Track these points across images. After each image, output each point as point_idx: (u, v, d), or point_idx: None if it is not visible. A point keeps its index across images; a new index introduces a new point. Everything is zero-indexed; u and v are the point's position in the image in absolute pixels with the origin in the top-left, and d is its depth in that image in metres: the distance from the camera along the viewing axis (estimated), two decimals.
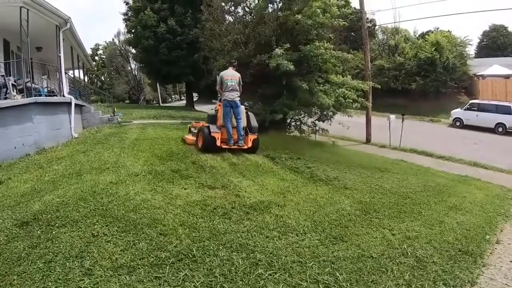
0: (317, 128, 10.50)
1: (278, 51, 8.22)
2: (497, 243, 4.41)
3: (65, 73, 10.42)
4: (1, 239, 3.31)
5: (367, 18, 19.83)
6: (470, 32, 59.62)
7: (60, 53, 8.64)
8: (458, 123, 16.90)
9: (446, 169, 8.71)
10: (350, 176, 6.71)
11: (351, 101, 9.03)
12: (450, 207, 5.39)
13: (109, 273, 2.89)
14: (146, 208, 4.07)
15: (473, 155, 10.28)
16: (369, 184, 6.27)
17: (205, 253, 3.26)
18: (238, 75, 7.22)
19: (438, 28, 27.60)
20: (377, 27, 27.55)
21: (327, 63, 9.20)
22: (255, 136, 7.26)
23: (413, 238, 3.95)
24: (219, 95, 7.38)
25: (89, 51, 37.57)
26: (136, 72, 34.11)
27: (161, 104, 33.62)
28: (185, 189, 4.88)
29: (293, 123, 11.17)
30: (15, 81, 7.24)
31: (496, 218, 5.25)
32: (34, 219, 3.71)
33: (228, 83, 7.02)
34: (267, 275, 2.97)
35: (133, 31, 18.84)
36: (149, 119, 12.40)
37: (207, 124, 7.11)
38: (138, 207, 4.08)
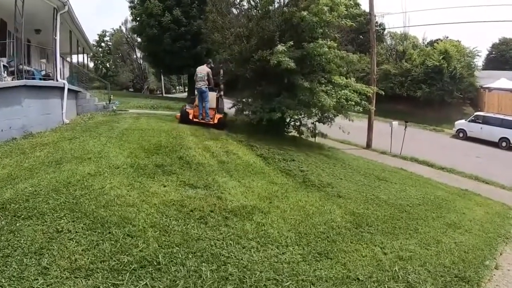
0: (316, 130, 10.07)
1: (280, 47, 7.78)
2: (496, 268, 4.02)
3: (61, 57, 10.07)
4: None
5: (376, 22, 19.39)
6: (479, 44, 58.63)
7: (56, 36, 8.26)
8: (461, 134, 16.39)
9: (447, 181, 8.27)
10: (345, 184, 6.30)
11: (353, 103, 8.58)
12: (448, 224, 4.99)
13: (65, 274, 2.61)
14: (119, 205, 3.72)
15: (475, 169, 9.82)
16: (364, 193, 5.86)
17: (172, 261, 2.91)
18: (207, 70, 9.23)
19: (447, 37, 26.96)
20: (386, 31, 26.95)
21: (331, 63, 8.75)
22: (220, 116, 9.46)
23: (406, 259, 3.56)
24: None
25: (96, 38, 37.19)
26: (141, 61, 33.67)
27: (164, 95, 33.21)
28: (164, 186, 4.50)
29: (292, 123, 10.75)
30: (7, 63, 6.91)
31: (496, 240, 4.86)
32: (1, 208, 3.40)
33: (198, 75, 9.20)
34: None
35: (138, 19, 18.38)
36: (146, 109, 11.99)
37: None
38: (110, 203, 3.73)
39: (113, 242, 3.01)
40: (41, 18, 8.70)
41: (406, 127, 11.01)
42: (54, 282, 2.51)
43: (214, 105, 9.66)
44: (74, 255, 2.81)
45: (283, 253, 3.33)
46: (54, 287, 2.48)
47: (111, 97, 10.85)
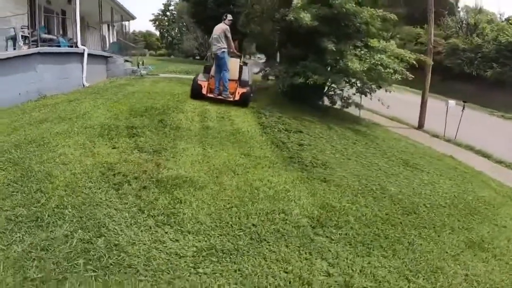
0: (349, 101, 8.33)
1: (297, 1, 6.24)
2: None
3: (85, 25, 10.00)
4: None
5: None
6: None
7: (75, 4, 8.16)
8: None
9: (503, 179, 5.87)
10: (350, 166, 4.82)
11: (392, 71, 6.61)
12: (471, 242, 3.26)
13: None
14: (54, 162, 3.36)
15: None
16: (368, 180, 4.33)
17: (54, 222, 2.45)
18: (223, 28, 6.68)
19: None
20: (459, 3, 21.80)
21: (369, 25, 6.77)
22: (244, 90, 6.82)
23: None
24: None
25: (161, 7, 37.70)
26: None
27: None
28: (113, 148, 3.86)
29: (330, 92, 9.14)
30: (29, 33, 7.00)
31: None
32: None
33: (213, 36, 6.79)
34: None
35: None
36: (180, 73, 11.42)
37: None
38: (48, 160, 3.40)
39: (25, 195, 2.75)
40: None
41: (464, 108, 8.40)
42: None
43: (236, 76, 7.07)
44: None
45: (176, 240, 2.41)
46: None
47: (143, 62, 10.65)
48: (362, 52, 6.65)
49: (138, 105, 5.65)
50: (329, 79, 7.26)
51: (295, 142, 5.28)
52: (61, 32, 8.79)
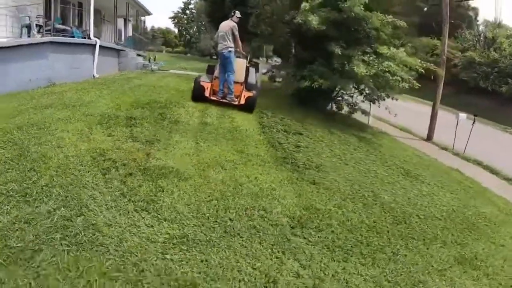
0: (356, 107, 8.20)
1: (306, 4, 6.19)
2: None
3: (101, 18, 10.25)
4: None
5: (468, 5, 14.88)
6: None
7: None
8: None
9: (509, 196, 5.56)
10: (345, 171, 4.73)
11: (400, 79, 6.46)
12: (463, 258, 3.12)
13: None
14: (51, 145, 3.50)
15: None
16: (361, 186, 4.22)
17: (39, 198, 2.57)
18: (230, 25, 6.07)
19: None
20: (478, 17, 21.28)
21: (379, 31, 6.65)
22: (250, 94, 6.24)
23: None
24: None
25: (181, 5, 38.04)
26: None
27: None
28: (109, 136, 3.96)
29: (338, 98, 9.03)
30: (43, 22, 7.31)
31: None
32: None
33: (219, 34, 6.20)
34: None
35: None
36: (190, 70, 11.54)
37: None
38: (46, 142, 3.55)
39: (19, 172, 2.89)
40: None
41: (474, 121, 8.08)
42: None
43: (241, 78, 6.47)
44: None
45: (150, 225, 2.42)
46: None
47: (155, 57, 10.85)
48: (371, 58, 6.53)
49: (142, 98, 5.76)
50: (336, 84, 7.16)
51: (292, 143, 5.23)
52: (76, 23, 9.07)
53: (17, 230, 2.19)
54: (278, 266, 2.27)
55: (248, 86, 6.52)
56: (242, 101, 6.20)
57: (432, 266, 2.91)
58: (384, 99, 8.24)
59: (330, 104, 9.36)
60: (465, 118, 8.51)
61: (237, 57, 6.40)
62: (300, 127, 6.27)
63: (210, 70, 6.71)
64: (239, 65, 6.43)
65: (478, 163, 7.39)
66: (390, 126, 10.79)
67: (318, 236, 2.81)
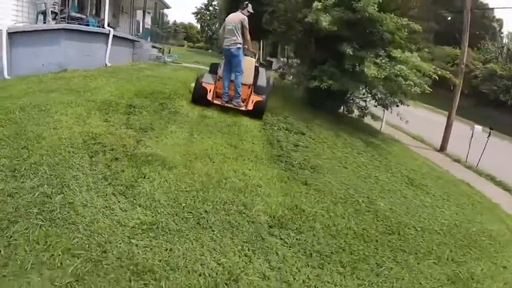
0: (366, 111, 7.95)
1: (317, 4, 6.01)
2: None
3: (120, 9, 10.34)
4: None
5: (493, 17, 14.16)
6: None
7: None
8: None
9: None
10: (343, 173, 4.54)
11: (412, 84, 6.17)
12: (457, 277, 2.88)
13: None
14: (48, 127, 3.60)
15: None
16: (357, 191, 4.01)
17: (24, 175, 2.66)
18: (240, 17, 5.29)
19: None
20: (503, 29, 20.42)
21: (394, 34, 6.37)
22: (259, 98, 5.49)
23: None
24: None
25: (205, 1, 38.27)
26: None
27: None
28: (105, 121, 4.01)
29: (350, 100, 8.80)
30: (59, 10, 7.55)
31: None
32: None
33: (226, 27, 5.37)
34: None
35: None
36: (203, 65, 11.59)
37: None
38: (43, 123, 3.67)
39: (12, 149, 3.01)
40: None
41: (489, 134, 7.63)
42: None
43: (250, 80, 5.69)
44: None
45: (124, 209, 2.42)
46: None
47: (170, 50, 10.98)
48: (383, 61, 6.29)
49: (147, 88, 5.80)
50: (345, 86, 6.96)
51: (291, 142, 5.10)
52: (94, 13, 9.31)
53: (0, 202, 2.27)
54: (245, 265, 2.18)
55: (257, 89, 5.70)
56: (250, 107, 5.46)
57: (420, 283, 2.70)
58: (397, 105, 7.96)
59: (342, 107, 9.15)
60: (481, 131, 8.08)
61: (244, 55, 5.64)
62: (303, 127, 6.13)
63: (213, 69, 5.94)
64: (248, 64, 5.64)
65: (491, 178, 6.96)
66: (403, 133, 10.42)
67: (297, 239, 2.68)
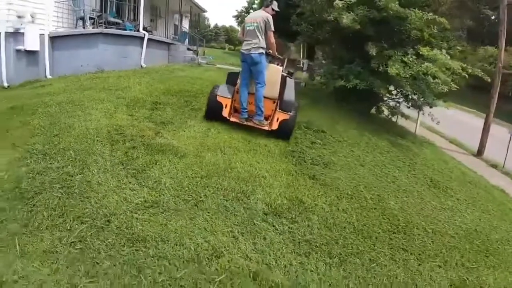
0: (395, 110, 7.61)
1: (338, 2, 5.93)
2: None
3: (157, 13, 10.83)
4: None
5: None
6: None
7: None
8: None
9: None
10: (357, 171, 4.41)
11: (440, 82, 5.77)
12: (463, 284, 2.69)
13: None
14: (79, 118, 4.11)
15: None
16: (368, 189, 3.90)
17: (54, 156, 3.16)
18: (263, 15, 4.31)
19: None
20: None
21: (423, 31, 6.03)
22: (285, 116, 4.44)
23: None
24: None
25: (245, 4, 38.54)
26: None
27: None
28: (130, 115, 4.46)
29: (380, 100, 8.52)
30: (96, 15, 8.29)
31: None
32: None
33: (247, 28, 4.38)
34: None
35: None
36: (238, 66, 11.95)
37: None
38: (74, 115, 4.23)
39: (45, 136, 3.54)
40: None
41: None
42: None
43: (275, 93, 4.64)
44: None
45: (133, 189, 2.71)
46: None
47: (204, 52, 11.50)
48: (411, 59, 6.03)
49: (175, 87, 6.23)
50: (371, 85, 6.78)
51: (309, 139, 5.12)
52: (131, 18, 10.10)
53: (30, 178, 2.70)
54: (231, 245, 2.31)
55: (283, 104, 4.55)
56: (275, 126, 4.46)
57: (416, 284, 2.53)
58: (431, 107, 7.54)
59: (372, 107, 8.89)
60: None
61: (268, 61, 4.66)
62: (327, 125, 6.10)
63: (231, 79, 4.82)
64: (272, 73, 4.57)
65: None
66: (439, 137, 9.81)
67: (289, 227, 2.73)
